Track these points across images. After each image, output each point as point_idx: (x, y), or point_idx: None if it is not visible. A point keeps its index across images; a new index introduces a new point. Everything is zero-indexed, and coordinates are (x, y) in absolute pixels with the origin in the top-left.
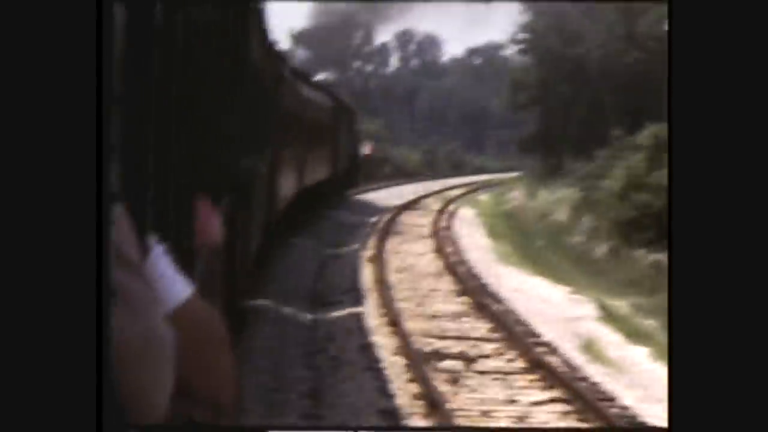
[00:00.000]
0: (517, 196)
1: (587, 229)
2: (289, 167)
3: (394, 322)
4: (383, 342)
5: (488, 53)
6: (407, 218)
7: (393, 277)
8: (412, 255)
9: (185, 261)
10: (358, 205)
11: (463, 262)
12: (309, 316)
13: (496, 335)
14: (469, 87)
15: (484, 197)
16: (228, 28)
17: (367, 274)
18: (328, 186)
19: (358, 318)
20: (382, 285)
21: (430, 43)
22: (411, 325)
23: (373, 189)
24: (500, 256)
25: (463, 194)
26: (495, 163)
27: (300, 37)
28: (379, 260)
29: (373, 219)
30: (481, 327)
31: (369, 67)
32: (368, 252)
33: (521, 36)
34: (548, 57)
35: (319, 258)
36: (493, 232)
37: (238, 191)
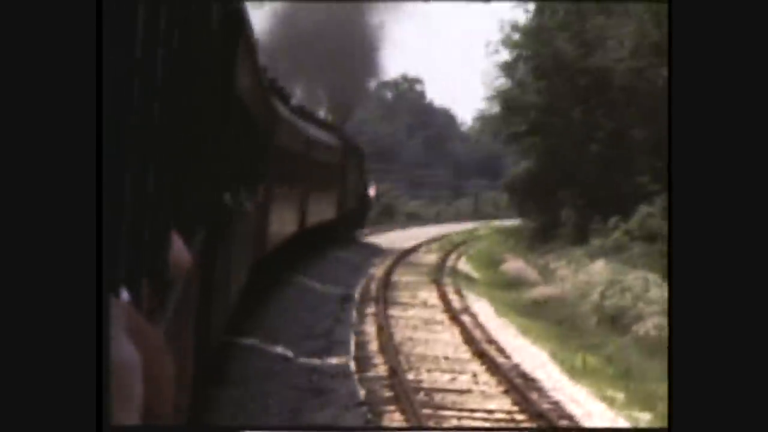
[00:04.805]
0: (520, 268)
1: None
2: (285, 206)
3: None
4: None
5: (400, 86)
6: (418, 345)
7: None
8: None
9: (159, 289)
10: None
11: None
12: None
13: None
14: (379, 121)
15: (466, 267)
16: (216, 63)
17: None
18: (335, 225)
19: None
20: None
21: None
22: None
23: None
24: None
25: (440, 262)
26: (428, 209)
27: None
28: None
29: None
30: None
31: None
32: None
33: (517, 39)
34: (556, 69)
35: None
36: (571, 370)
37: (214, 227)
